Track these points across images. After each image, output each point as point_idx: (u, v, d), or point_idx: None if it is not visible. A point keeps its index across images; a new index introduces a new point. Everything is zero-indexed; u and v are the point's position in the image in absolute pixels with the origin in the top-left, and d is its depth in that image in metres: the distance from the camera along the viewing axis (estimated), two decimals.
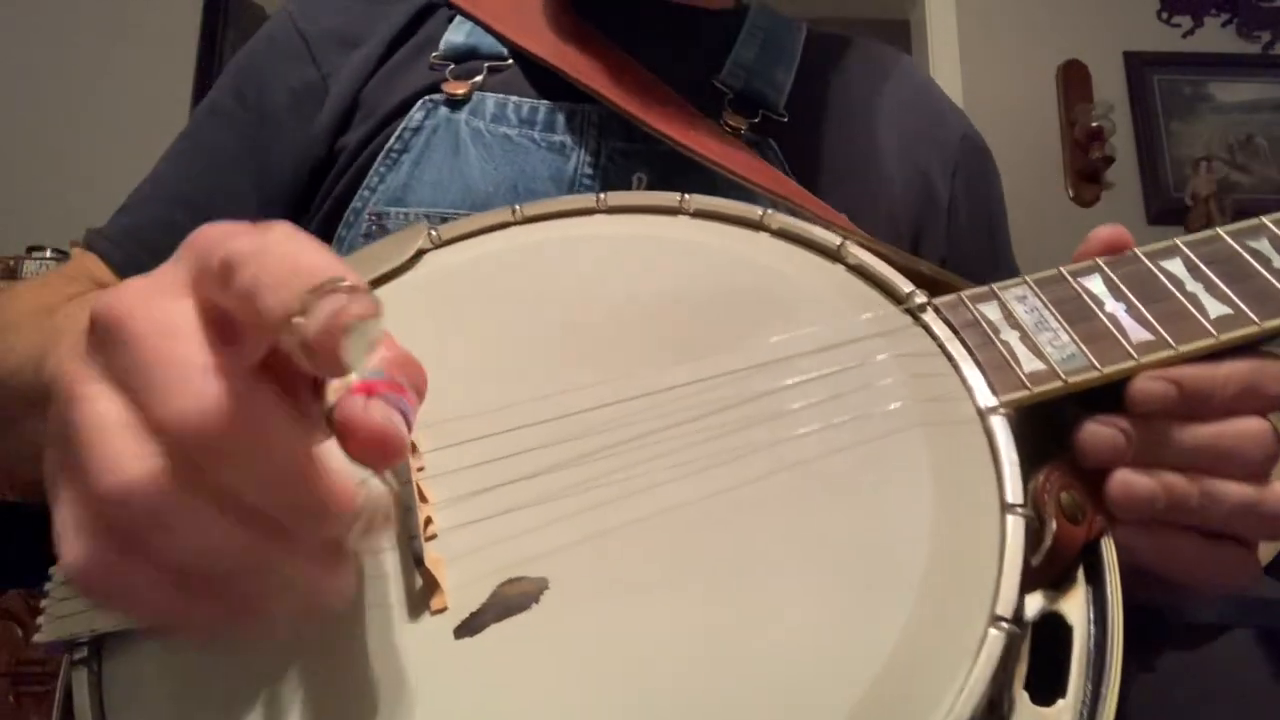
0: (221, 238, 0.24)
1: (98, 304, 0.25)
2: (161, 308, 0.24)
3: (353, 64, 0.60)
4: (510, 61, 0.58)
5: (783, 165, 0.57)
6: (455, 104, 0.57)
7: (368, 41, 0.61)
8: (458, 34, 0.60)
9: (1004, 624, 0.28)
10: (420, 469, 0.35)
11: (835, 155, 0.60)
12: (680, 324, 0.38)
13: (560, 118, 0.56)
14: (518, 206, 0.44)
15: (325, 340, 0.22)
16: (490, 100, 0.57)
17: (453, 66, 0.58)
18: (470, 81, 0.57)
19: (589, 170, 0.55)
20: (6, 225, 1.84)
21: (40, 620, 0.32)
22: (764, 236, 0.42)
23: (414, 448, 0.35)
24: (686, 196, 0.43)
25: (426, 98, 0.57)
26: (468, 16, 0.60)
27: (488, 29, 0.59)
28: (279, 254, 0.23)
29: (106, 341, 0.24)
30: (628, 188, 0.54)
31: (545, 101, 0.57)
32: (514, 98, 0.57)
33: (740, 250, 0.41)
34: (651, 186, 0.54)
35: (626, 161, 0.55)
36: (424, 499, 0.34)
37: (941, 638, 0.28)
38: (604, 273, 0.41)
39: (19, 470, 0.44)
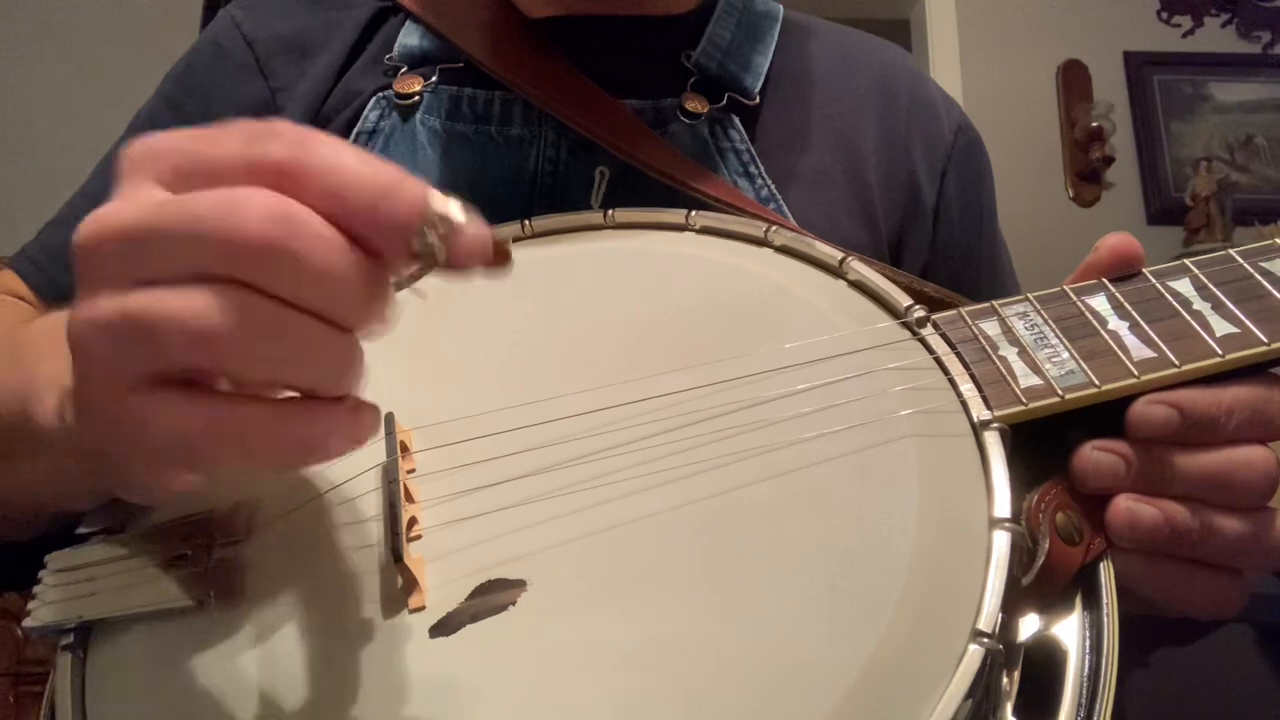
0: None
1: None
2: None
3: (309, 79, 0.57)
4: (463, 64, 0.57)
5: (739, 150, 0.56)
6: (409, 106, 0.55)
7: (322, 52, 0.58)
8: (411, 36, 0.58)
9: (985, 639, 0.28)
10: (411, 470, 0.35)
11: (806, 149, 0.58)
12: (680, 335, 0.39)
13: (517, 109, 0.55)
14: (528, 221, 0.45)
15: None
16: (445, 94, 0.55)
17: (406, 69, 0.56)
18: (424, 81, 0.56)
19: (549, 167, 0.54)
20: None
21: (30, 606, 0.33)
22: (767, 252, 0.43)
23: (404, 448, 0.36)
24: (693, 213, 0.44)
25: (379, 95, 0.55)
26: (418, 20, 0.58)
27: (436, 33, 0.57)
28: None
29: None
30: (590, 184, 0.53)
31: (500, 92, 0.55)
32: (468, 90, 0.55)
33: (743, 265, 0.42)
34: (613, 182, 0.53)
35: (587, 155, 0.54)
36: (410, 499, 0.34)
37: (920, 650, 0.28)
38: (608, 285, 0.42)
39: None
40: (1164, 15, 2.53)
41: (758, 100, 0.58)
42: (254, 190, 0.25)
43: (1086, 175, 2.38)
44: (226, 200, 0.24)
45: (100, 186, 0.58)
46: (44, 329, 0.39)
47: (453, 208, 0.26)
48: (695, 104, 0.56)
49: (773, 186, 0.55)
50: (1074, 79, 2.45)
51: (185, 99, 0.59)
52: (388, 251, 0.26)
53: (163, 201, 0.26)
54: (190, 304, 0.24)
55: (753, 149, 0.56)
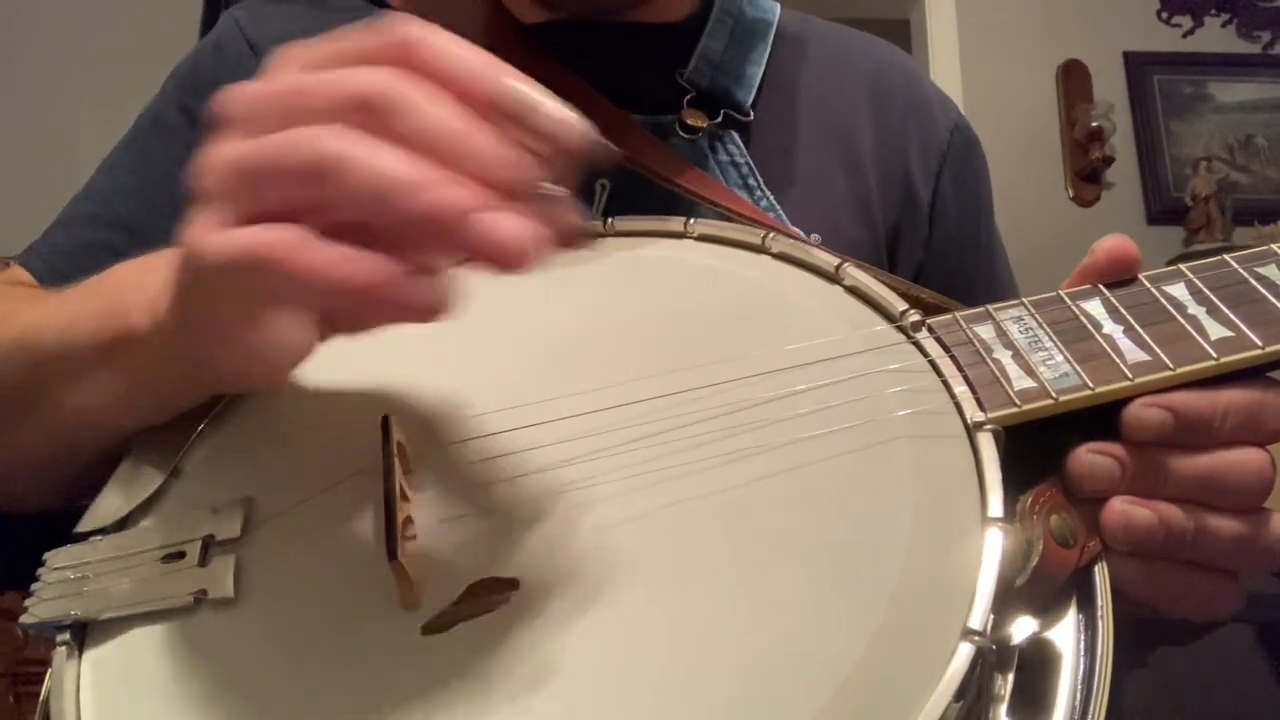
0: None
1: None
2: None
3: None
4: None
5: (738, 164, 0.56)
6: None
7: None
8: None
9: (976, 637, 0.28)
10: (406, 469, 0.35)
11: (804, 152, 0.58)
12: (678, 339, 0.39)
13: None
14: None
15: None
16: None
17: None
18: None
19: None
20: None
21: (28, 603, 0.33)
22: (765, 259, 0.43)
23: (401, 447, 0.36)
24: (691, 221, 0.45)
25: None
26: None
27: None
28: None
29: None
30: (591, 195, 0.53)
31: None
32: None
33: (741, 272, 0.42)
34: (613, 195, 0.53)
35: (588, 167, 0.54)
36: (405, 498, 0.34)
37: (911, 648, 0.28)
38: (607, 291, 0.42)
39: (51, 451, 0.42)
40: (1164, 15, 2.53)
41: (750, 116, 0.58)
42: (373, 68, 0.30)
43: (1086, 175, 2.38)
44: (351, 71, 0.30)
45: (104, 186, 0.59)
46: (117, 269, 0.42)
47: (538, 95, 0.30)
48: (695, 119, 0.56)
49: (771, 198, 0.56)
50: (1074, 79, 2.45)
51: (189, 100, 0.59)
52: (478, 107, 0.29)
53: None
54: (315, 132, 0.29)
55: (750, 161, 0.56)
